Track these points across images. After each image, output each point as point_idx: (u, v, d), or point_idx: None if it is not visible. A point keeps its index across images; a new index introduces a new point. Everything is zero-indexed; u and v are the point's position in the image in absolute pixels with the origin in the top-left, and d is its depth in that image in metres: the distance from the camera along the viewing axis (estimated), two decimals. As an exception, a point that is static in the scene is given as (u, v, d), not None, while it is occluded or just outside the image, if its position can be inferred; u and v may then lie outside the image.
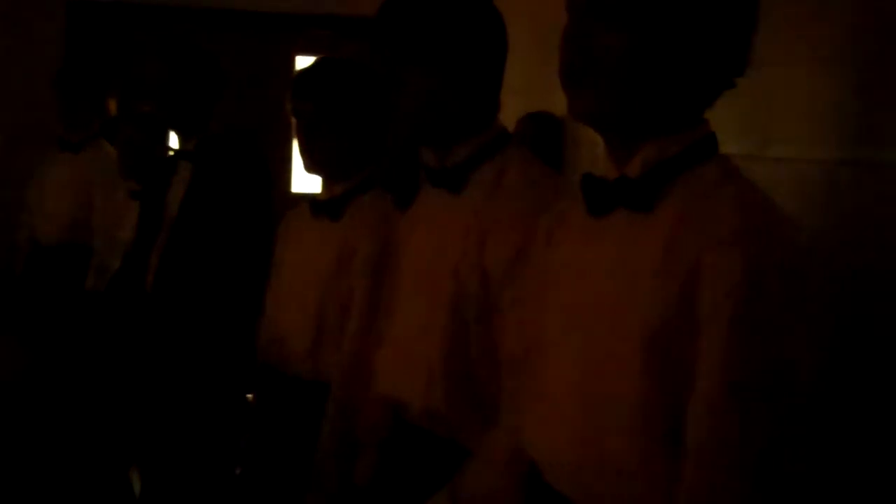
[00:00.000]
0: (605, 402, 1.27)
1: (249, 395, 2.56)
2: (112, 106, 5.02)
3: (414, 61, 1.76)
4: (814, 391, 1.18)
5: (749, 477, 1.15)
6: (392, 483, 1.90)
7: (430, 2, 1.77)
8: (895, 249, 1.70)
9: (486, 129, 1.81)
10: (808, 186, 1.97)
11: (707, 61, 1.27)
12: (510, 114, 3.70)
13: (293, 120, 2.34)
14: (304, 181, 4.96)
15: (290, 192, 5.54)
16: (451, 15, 1.76)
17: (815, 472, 1.21)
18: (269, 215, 2.95)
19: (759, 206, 1.22)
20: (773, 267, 1.16)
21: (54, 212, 4.26)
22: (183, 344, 3.03)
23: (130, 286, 3.33)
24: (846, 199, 1.85)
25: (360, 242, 2.24)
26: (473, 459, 1.64)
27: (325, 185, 2.37)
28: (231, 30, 5.65)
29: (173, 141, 3.49)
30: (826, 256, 1.86)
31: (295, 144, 2.38)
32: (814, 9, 1.98)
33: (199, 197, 3.13)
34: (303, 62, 4.95)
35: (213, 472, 2.74)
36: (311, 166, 2.36)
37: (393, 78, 1.79)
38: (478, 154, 1.79)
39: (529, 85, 3.88)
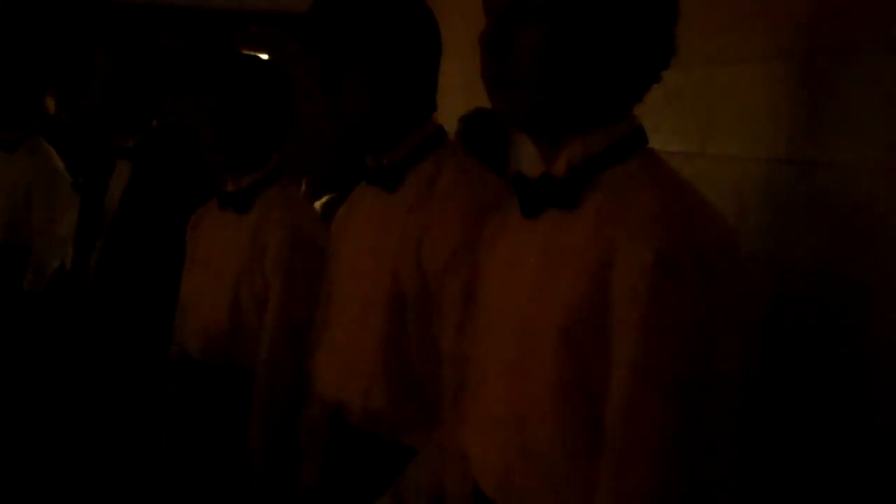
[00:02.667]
0: (526, 402, 1.26)
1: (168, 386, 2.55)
2: (50, 103, 4.94)
3: (346, 65, 1.76)
4: (732, 385, 1.16)
5: (663, 470, 1.13)
6: (336, 487, 1.89)
7: (359, 4, 1.77)
8: (833, 249, 1.71)
9: (421, 127, 1.81)
10: (748, 184, 1.97)
11: (628, 54, 1.26)
12: (452, 114, 3.70)
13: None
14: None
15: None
16: (382, 17, 1.76)
17: (736, 470, 1.19)
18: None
19: (675, 197, 1.21)
20: (686, 258, 1.14)
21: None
22: (121, 341, 3.00)
23: (71, 285, 3.28)
24: (787, 198, 1.86)
25: (270, 233, 2.26)
26: (416, 459, 1.64)
27: (231, 177, 2.38)
28: (174, 26, 5.60)
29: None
30: (765, 254, 1.87)
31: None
32: (757, 6, 1.99)
33: (138, 195, 3.09)
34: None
35: (144, 464, 2.72)
36: (214, 160, 2.37)
37: (327, 81, 1.78)
38: (413, 153, 1.79)
39: (470, 84, 3.87)
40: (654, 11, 1.27)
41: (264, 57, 2.64)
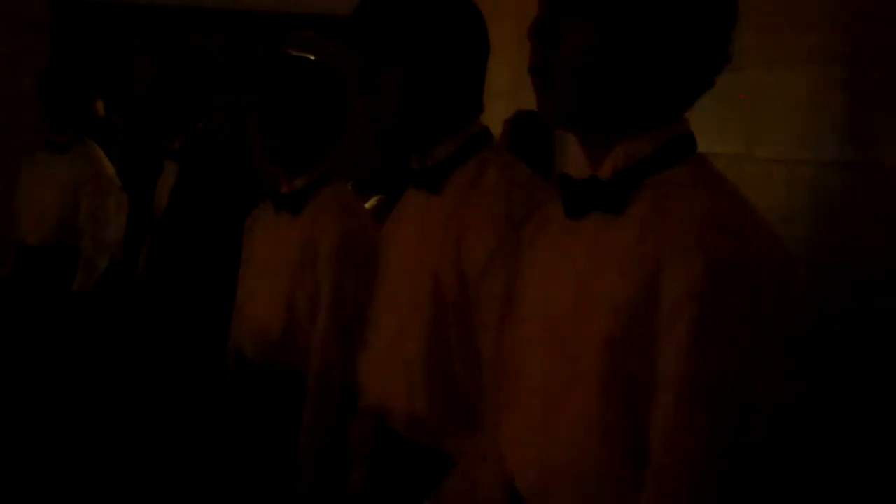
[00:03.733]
0: (566, 412, 1.23)
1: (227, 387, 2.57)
2: (99, 107, 5.00)
3: (389, 63, 1.75)
4: (784, 403, 1.13)
5: (707, 494, 1.10)
6: (380, 495, 1.88)
7: (404, 3, 1.75)
8: (883, 251, 1.69)
9: (466, 129, 1.79)
10: (797, 187, 1.96)
11: (681, 58, 1.22)
12: (499, 116, 3.70)
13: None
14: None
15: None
16: (427, 16, 1.74)
17: (783, 491, 1.16)
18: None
19: (726, 207, 1.17)
20: (737, 271, 1.10)
21: (40, 213, 4.24)
22: (171, 341, 3.02)
23: (119, 285, 3.32)
24: (835, 200, 1.84)
25: (322, 235, 2.26)
26: (454, 472, 1.62)
27: (284, 179, 2.38)
28: (216, 30, 5.65)
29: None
30: (812, 257, 1.85)
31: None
32: (803, 8, 1.97)
33: (184, 195, 3.12)
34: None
35: (202, 465, 2.74)
36: (267, 161, 2.37)
37: (364, 80, 1.77)
38: (457, 154, 1.77)
39: (518, 86, 3.87)
40: (712, 15, 1.23)
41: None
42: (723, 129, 2.19)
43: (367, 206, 4.46)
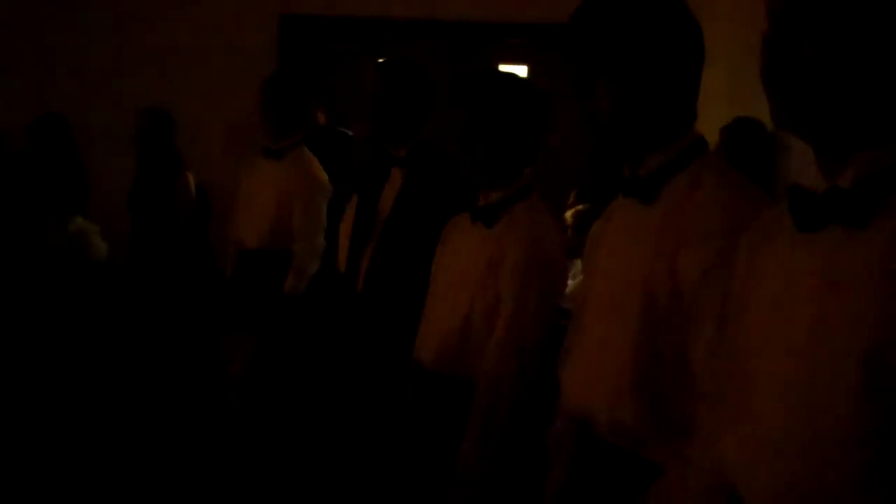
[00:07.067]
0: (818, 425, 1.19)
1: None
2: (321, 116, 5.18)
3: (605, 70, 1.73)
4: None
5: None
6: (580, 498, 1.86)
7: (622, 8, 1.73)
8: None
9: (681, 137, 1.75)
10: None
11: None
12: (714, 122, 3.59)
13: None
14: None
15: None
16: (643, 22, 1.71)
17: None
18: None
19: None
20: None
21: (257, 217, 4.40)
22: (389, 344, 3.09)
23: (342, 287, 3.43)
24: None
25: (510, 249, 2.28)
26: (663, 480, 1.61)
27: (482, 192, 2.41)
28: (433, 40, 5.76)
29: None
30: None
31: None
32: None
33: (410, 202, 3.20)
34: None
35: (385, 468, 2.80)
36: (467, 173, 2.42)
37: (584, 87, 1.76)
38: (672, 163, 1.73)
39: (733, 92, 3.75)
40: None
41: (523, 69, 2.65)
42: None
43: (569, 213, 4.44)
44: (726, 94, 3.65)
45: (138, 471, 4.25)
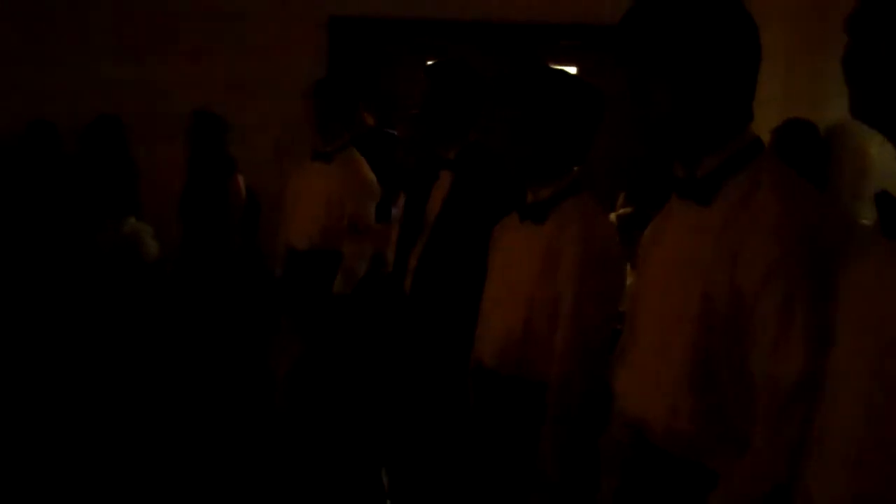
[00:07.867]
0: None
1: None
2: (368, 118, 5.20)
3: (658, 70, 1.71)
4: None
5: None
6: (634, 504, 1.85)
7: (675, 8, 1.71)
8: None
9: (737, 137, 1.73)
10: None
11: None
12: (768, 124, 3.55)
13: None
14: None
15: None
16: (697, 21, 1.69)
17: None
18: None
19: None
20: None
21: (307, 219, 4.44)
22: (437, 346, 3.10)
23: (390, 287, 3.44)
24: None
25: (565, 246, 2.26)
26: (719, 492, 1.59)
27: (531, 189, 2.40)
28: (483, 41, 5.75)
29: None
30: None
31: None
32: None
33: (459, 204, 3.20)
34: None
35: (452, 470, 2.80)
36: (515, 171, 2.41)
37: (639, 87, 1.74)
38: (728, 164, 1.71)
39: (787, 93, 3.71)
40: None
41: (573, 70, 2.65)
42: None
43: (614, 215, 4.42)
44: (780, 96, 3.60)
45: (189, 469, 4.29)
